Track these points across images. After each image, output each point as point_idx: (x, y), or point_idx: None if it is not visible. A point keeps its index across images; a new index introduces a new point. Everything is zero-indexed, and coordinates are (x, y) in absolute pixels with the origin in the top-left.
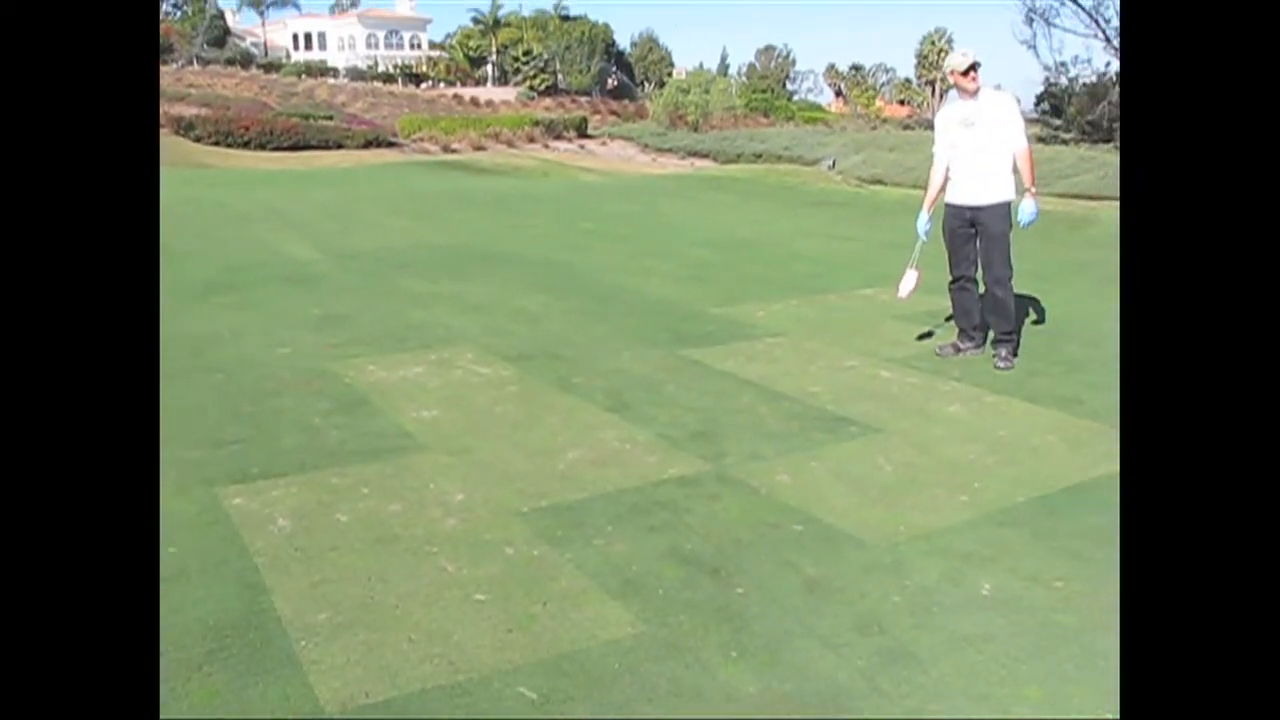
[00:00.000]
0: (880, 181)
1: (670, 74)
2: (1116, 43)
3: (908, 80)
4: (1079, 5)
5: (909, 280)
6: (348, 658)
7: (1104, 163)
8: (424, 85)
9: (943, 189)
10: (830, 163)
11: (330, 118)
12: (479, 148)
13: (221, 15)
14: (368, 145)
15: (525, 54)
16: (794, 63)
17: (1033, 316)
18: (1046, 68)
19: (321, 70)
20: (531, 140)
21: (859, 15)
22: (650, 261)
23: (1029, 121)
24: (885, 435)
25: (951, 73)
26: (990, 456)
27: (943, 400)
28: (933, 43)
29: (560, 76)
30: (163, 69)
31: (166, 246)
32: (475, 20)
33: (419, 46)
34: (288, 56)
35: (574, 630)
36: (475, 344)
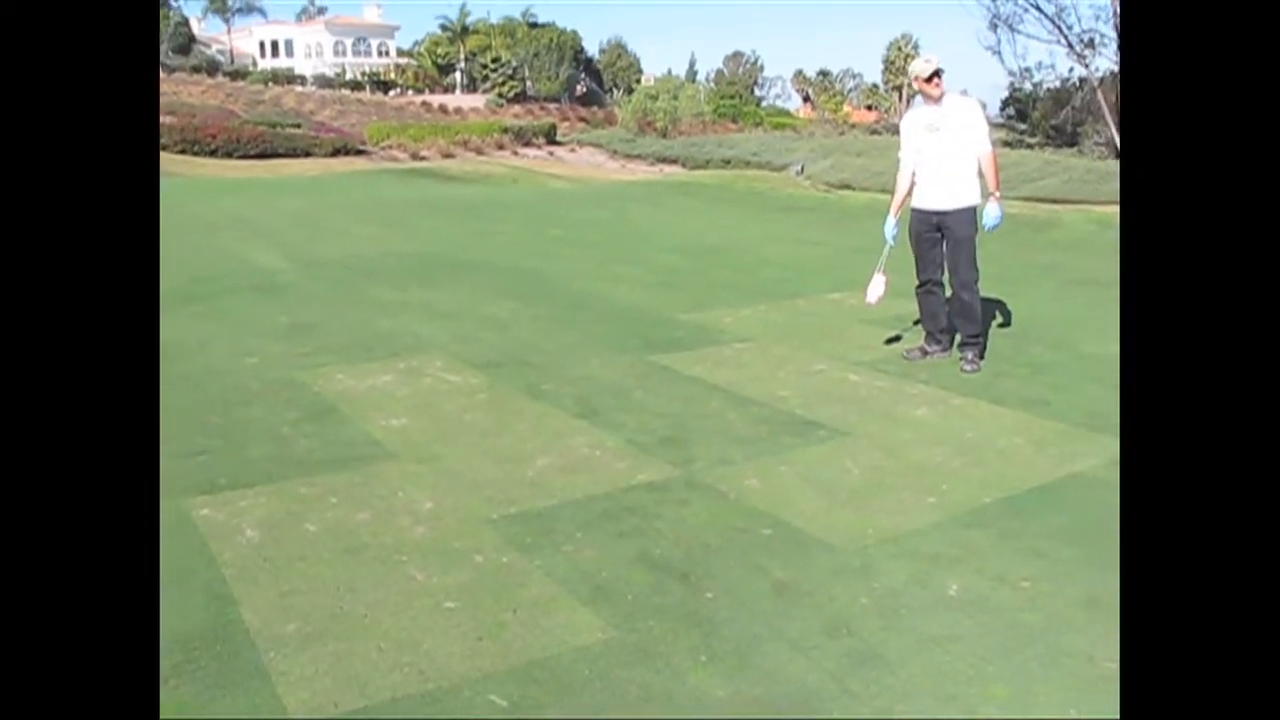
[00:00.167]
0: (848, 186)
1: (639, 80)
2: (1079, 49)
3: (875, 86)
4: (1042, 12)
5: (877, 285)
6: (316, 668)
7: (1068, 166)
8: (392, 92)
9: (909, 194)
10: (798, 168)
11: (298, 125)
12: (448, 155)
13: (186, 22)
14: (336, 153)
15: (494, 61)
16: (762, 69)
17: (999, 319)
18: (1011, 73)
19: (289, 78)
20: (500, 147)
21: (826, 21)
22: (619, 268)
23: (994, 126)
24: (853, 438)
25: (916, 78)
26: (957, 459)
27: (910, 403)
28: (899, 48)
29: (529, 83)
30: None
31: None
32: (443, 27)
33: (387, 54)
34: (254, 64)
35: (544, 637)
36: (444, 352)
